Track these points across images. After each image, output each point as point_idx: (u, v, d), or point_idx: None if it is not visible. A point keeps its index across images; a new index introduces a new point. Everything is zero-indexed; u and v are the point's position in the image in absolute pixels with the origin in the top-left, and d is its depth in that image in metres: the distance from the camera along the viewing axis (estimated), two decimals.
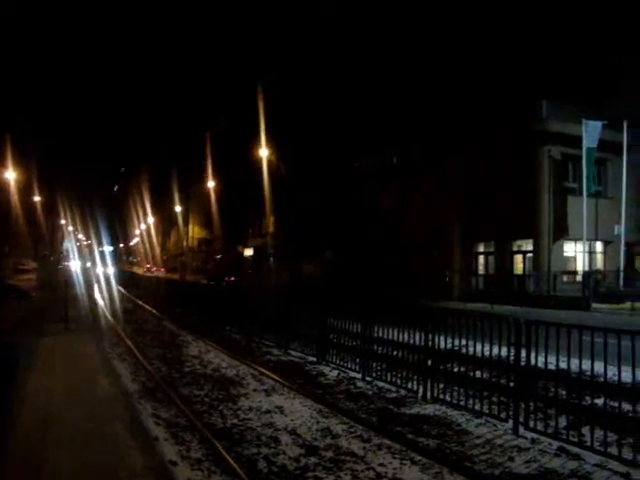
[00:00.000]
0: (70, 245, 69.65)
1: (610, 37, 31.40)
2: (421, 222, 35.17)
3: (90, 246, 79.16)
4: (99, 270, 57.99)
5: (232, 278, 47.61)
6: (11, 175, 50.52)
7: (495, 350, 8.58)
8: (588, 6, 31.80)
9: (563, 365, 8.02)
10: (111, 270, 57.20)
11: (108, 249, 75.27)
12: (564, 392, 8.09)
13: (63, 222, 69.98)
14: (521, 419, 7.91)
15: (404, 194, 37.16)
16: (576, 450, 7.12)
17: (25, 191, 56.18)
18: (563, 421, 7.66)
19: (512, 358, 8.16)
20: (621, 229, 28.59)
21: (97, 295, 33.53)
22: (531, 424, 7.83)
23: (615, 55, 31.19)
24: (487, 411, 8.52)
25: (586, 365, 7.59)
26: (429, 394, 9.63)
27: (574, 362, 7.51)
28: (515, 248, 31.79)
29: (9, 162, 47.77)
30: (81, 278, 42.32)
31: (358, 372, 11.55)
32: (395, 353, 10.93)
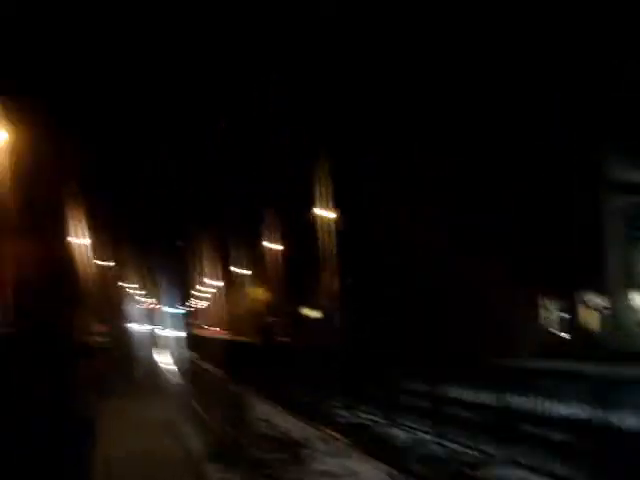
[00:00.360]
0: (137, 308, 70.87)
1: None
2: (483, 275, 34.37)
3: (156, 308, 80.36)
4: (166, 333, 58.08)
5: (284, 339, 46.58)
6: (86, 241, 52.04)
7: (574, 410, 8.16)
8: None
9: None
10: (179, 333, 56.12)
11: (176, 311, 74.75)
12: None
13: (129, 286, 71.45)
14: None
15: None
16: None
17: (93, 255, 57.74)
18: None
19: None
20: None
21: (164, 358, 33.82)
22: None
23: None
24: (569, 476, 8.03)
25: None
26: (505, 456, 9.18)
27: None
28: (584, 302, 30.77)
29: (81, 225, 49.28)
30: (148, 341, 42.84)
31: (429, 434, 11.16)
32: (468, 414, 10.53)
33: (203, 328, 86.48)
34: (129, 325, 53.68)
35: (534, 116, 33.70)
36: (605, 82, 32.38)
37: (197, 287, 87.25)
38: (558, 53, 33.26)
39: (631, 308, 28.50)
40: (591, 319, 30.42)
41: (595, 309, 30.10)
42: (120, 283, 67.70)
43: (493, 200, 33.68)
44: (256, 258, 68.93)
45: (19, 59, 30.66)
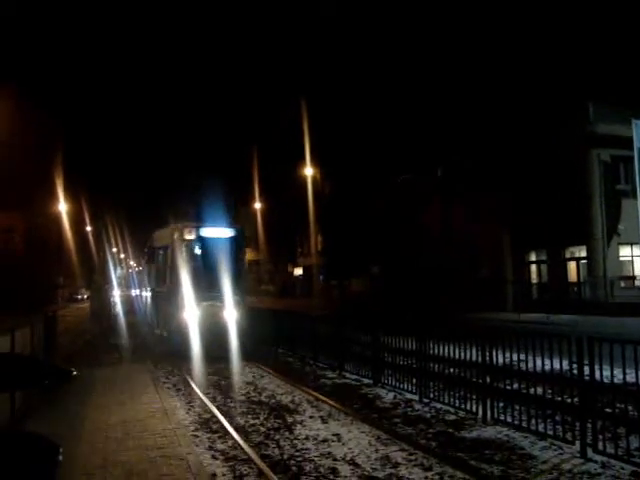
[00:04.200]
0: (121, 272, 70.04)
1: None
2: (469, 232, 34.66)
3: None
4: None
5: None
6: (63, 207, 51.84)
7: (556, 364, 8.27)
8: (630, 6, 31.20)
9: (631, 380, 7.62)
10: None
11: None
12: (634, 410, 7.66)
13: (114, 250, 70.71)
14: (589, 440, 7.56)
15: (450, 206, 36.78)
16: None
17: (77, 221, 57.34)
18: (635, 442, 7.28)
19: (575, 374, 7.83)
20: None
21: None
22: (600, 446, 7.46)
23: None
24: (551, 432, 8.16)
25: None
26: (489, 415, 9.33)
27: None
28: (568, 255, 31.06)
29: (60, 194, 49.05)
30: (136, 305, 42.50)
31: (415, 393, 11.30)
32: (452, 371, 10.62)
33: None
34: (114, 292, 52.83)
35: (520, 71, 33.64)
36: (590, 37, 32.25)
37: None
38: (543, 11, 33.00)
39: (611, 260, 28.83)
40: (572, 272, 30.77)
41: (576, 262, 30.41)
42: (105, 250, 66.75)
43: (482, 167, 33.78)
44: (242, 219, 68.72)
45: None
